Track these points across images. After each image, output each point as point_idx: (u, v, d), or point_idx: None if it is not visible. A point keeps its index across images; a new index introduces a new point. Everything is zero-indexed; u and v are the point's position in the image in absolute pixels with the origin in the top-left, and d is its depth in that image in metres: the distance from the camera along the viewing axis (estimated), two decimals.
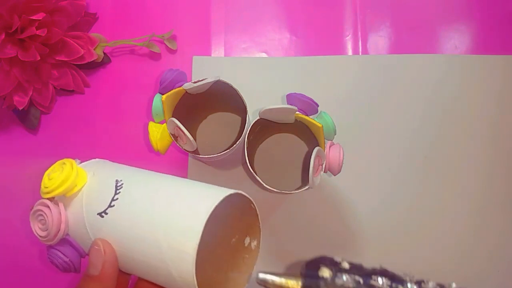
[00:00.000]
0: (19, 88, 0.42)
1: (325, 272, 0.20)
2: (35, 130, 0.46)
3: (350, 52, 0.47)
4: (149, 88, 0.46)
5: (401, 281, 0.19)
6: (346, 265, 0.21)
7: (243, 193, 0.28)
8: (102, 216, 0.28)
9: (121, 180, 0.29)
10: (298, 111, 0.36)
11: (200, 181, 0.30)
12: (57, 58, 0.42)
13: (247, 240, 0.31)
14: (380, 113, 0.45)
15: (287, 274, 0.21)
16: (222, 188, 0.28)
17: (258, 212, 0.30)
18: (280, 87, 0.46)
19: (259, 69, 0.47)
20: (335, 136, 0.37)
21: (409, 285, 0.19)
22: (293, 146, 0.44)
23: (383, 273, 0.20)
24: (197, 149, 0.36)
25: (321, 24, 0.48)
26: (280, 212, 0.44)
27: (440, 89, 0.46)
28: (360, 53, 0.47)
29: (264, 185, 0.35)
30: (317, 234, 0.43)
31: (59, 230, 0.29)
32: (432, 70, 0.46)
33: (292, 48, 0.47)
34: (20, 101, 0.42)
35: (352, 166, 0.42)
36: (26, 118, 0.45)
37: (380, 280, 0.19)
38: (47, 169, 0.30)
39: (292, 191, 0.36)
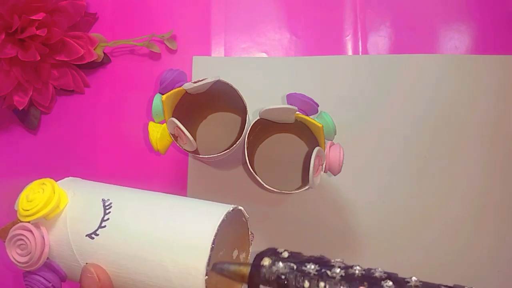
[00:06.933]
0: (19, 88, 0.42)
1: (266, 261, 0.23)
2: (35, 130, 0.46)
3: (350, 52, 0.47)
4: (149, 88, 0.46)
5: (330, 266, 0.22)
6: (285, 254, 0.24)
7: (240, 207, 0.28)
8: (92, 238, 0.27)
9: (108, 200, 0.28)
10: (298, 111, 0.36)
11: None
12: (57, 58, 0.42)
13: (235, 252, 0.31)
14: (380, 113, 0.45)
15: (240, 263, 0.24)
16: (220, 204, 0.28)
17: (249, 225, 0.29)
18: (280, 87, 0.46)
19: (259, 69, 0.47)
20: (335, 136, 0.37)
21: (337, 270, 0.21)
22: (293, 146, 0.44)
23: (316, 260, 0.23)
24: (197, 149, 0.36)
25: (321, 24, 0.48)
26: (280, 212, 0.44)
27: (440, 89, 0.46)
28: (360, 53, 0.47)
29: (264, 185, 0.35)
30: (317, 234, 0.43)
31: (42, 254, 0.27)
32: (432, 70, 0.46)
33: (292, 48, 0.47)
34: (20, 101, 0.42)
35: (352, 166, 0.42)
36: (26, 118, 0.45)
37: (310, 266, 0.22)
38: (23, 190, 0.28)
39: (292, 191, 0.36)
